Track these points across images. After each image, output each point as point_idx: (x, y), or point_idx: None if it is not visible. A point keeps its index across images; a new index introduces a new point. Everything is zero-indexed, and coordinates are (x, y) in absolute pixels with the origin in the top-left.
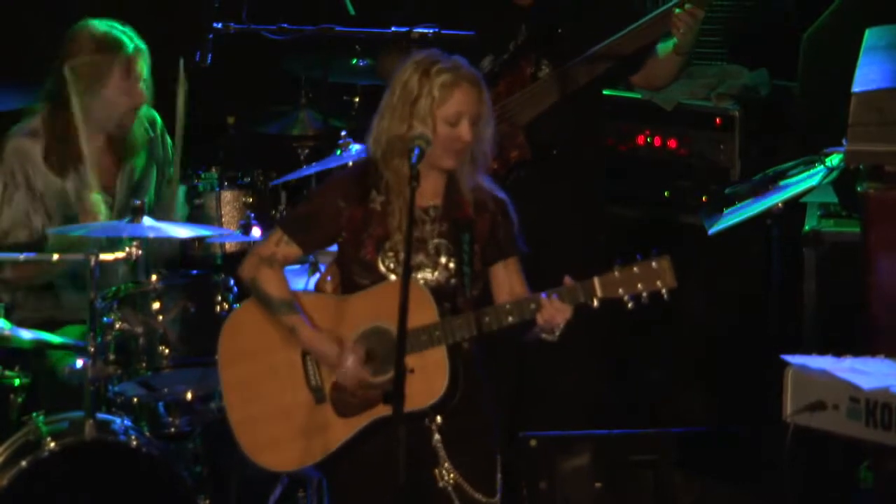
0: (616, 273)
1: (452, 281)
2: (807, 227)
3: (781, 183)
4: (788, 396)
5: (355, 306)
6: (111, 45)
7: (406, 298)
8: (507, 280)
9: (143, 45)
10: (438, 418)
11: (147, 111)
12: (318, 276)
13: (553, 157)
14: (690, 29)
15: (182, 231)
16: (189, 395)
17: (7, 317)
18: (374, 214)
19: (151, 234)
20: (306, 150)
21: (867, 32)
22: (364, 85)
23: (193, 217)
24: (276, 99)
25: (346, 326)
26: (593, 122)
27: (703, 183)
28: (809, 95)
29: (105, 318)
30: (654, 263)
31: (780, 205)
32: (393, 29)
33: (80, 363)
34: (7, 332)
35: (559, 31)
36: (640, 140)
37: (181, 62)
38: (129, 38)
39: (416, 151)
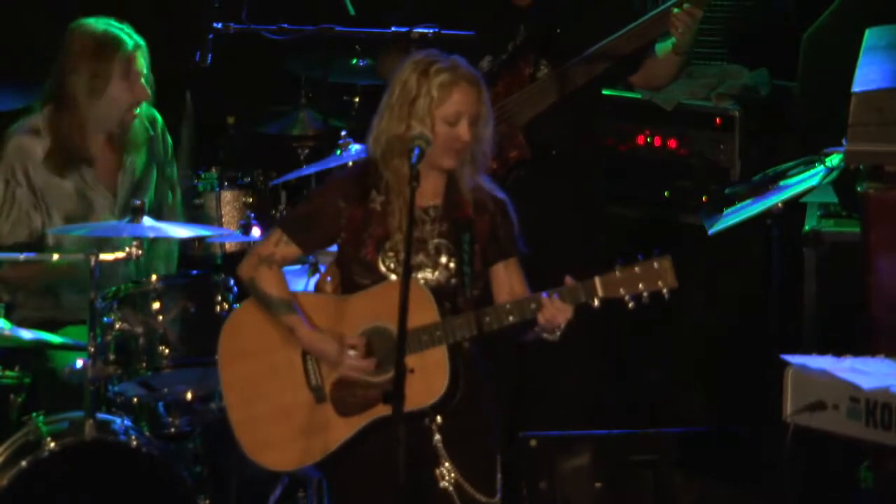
0: (617, 273)
1: (453, 281)
2: (807, 227)
3: (781, 183)
4: (788, 396)
5: (355, 306)
6: (110, 44)
7: (406, 298)
8: (507, 280)
9: (141, 42)
10: (439, 418)
11: (147, 110)
12: (317, 276)
13: (552, 157)
14: (689, 28)
15: (182, 231)
16: (189, 395)
17: (7, 317)
18: (374, 214)
19: (151, 234)
20: (306, 150)
21: (867, 32)
22: (364, 85)
23: (193, 217)
24: (276, 99)
25: (346, 326)
26: (592, 121)
27: (703, 183)
28: (809, 95)
29: (105, 318)
30: (655, 263)
31: (780, 205)
32: (393, 29)
33: (80, 363)
34: (7, 332)
35: (558, 31)
36: (640, 140)
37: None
38: (128, 36)
39: (417, 151)
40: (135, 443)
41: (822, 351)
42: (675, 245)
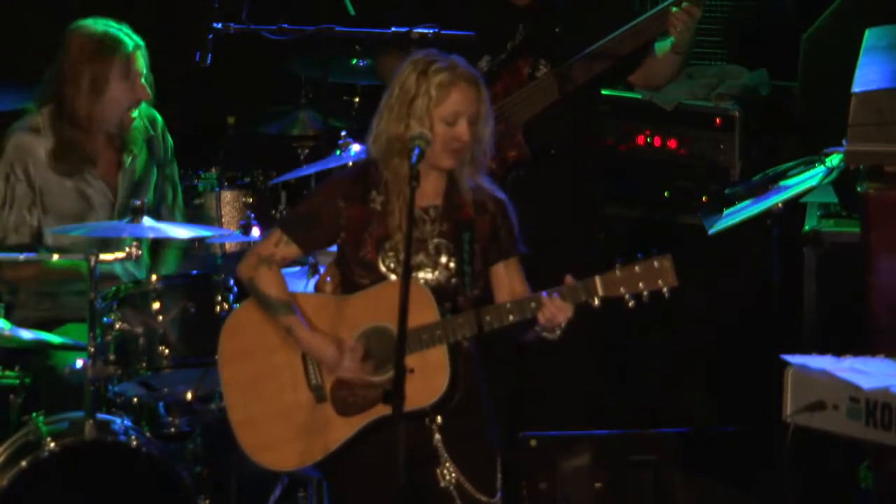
0: (618, 272)
1: (453, 280)
2: (807, 227)
3: (781, 183)
4: (788, 396)
5: (355, 306)
6: (110, 45)
7: (406, 298)
8: (507, 280)
9: (141, 42)
10: (439, 418)
11: (147, 109)
12: (317, 277)
13: (551, 156)
14: (688, 27)
15: (182, 231)
16: (189, 395)
17: (7, 317)
18: (374, 214)
19: (151, 235)
20: (306, 150)
21: (867, 32)
22: (364, 85)
23: (193, 217)
24: (276, 99)
25: (346, 326)
26: (591, 121)
27: (703, 183)
28: (809, 95)
29: (105, 318)
30: (655, 262)
31: (780, 205)
32: (393, 29)
33: (80, 363)
34: (7, 332)
35: (556, 30)
36: (640, 140)
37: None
38: (127, 36)
39: (416, 151)
40: (135, 443)
41: (822, 351)
42: (675, 245)
